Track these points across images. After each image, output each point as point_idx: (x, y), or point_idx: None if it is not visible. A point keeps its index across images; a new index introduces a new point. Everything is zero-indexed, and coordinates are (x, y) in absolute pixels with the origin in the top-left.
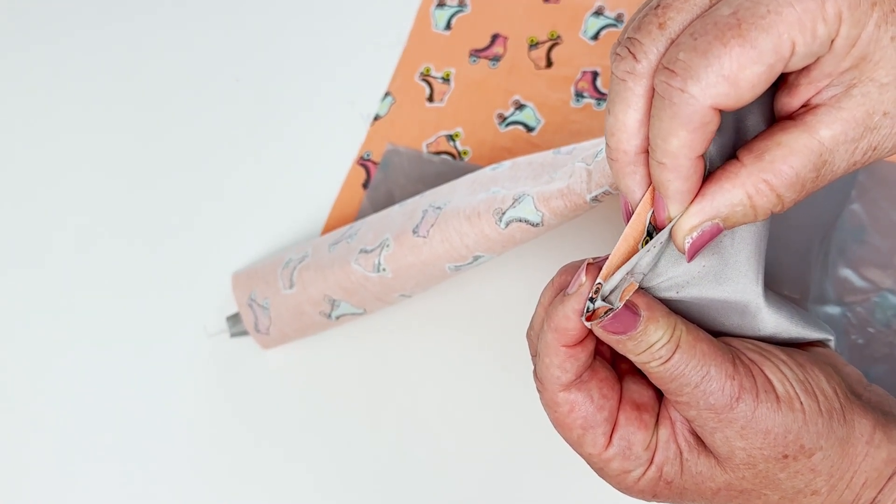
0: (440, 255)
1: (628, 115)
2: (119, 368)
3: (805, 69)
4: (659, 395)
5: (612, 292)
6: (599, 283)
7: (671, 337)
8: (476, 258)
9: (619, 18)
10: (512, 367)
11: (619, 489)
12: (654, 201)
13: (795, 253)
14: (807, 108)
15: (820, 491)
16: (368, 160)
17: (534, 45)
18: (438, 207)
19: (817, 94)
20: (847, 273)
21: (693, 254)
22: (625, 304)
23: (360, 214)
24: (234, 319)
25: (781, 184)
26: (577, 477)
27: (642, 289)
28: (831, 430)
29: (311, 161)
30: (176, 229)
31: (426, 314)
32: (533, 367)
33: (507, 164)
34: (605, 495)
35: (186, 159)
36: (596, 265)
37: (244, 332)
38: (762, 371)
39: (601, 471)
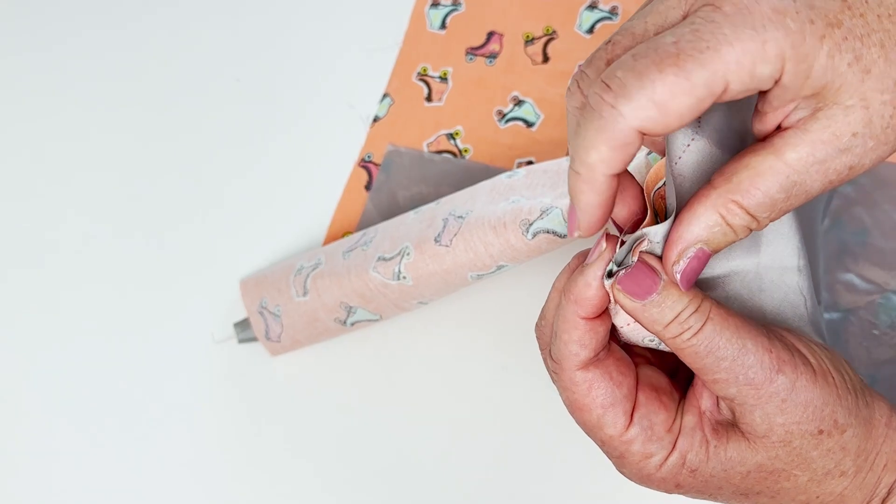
0: (463, 264)
1: None
2: (124, 374)
3: (765, 99)
4: (674, 384)
5: (624, 257)
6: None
7: (698, 307)
8: (499, 267)
9: (613, 11)
10: (517, 368)
11: (639, 479)
12: (568, 211)
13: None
14: (777, 131)
15: (847, 472)
16: (370, 162)
17: (529, 40)
18: (460, 216)
19: (786, 117)
20: (849, 276)
21: (687, 283)
22: (644, 265)
23: (364, 216)
24: (242, 325)
25: (751, 204)
26: (584, 476)
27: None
28: (858, 408)
29: (313, 164)
30: (179, 234)
31: (432, 317)
32: (544, 358)
33: (522, 171)
34: (612, 494)
35: (188, 163)
36: (614, 235)
37: (252, 339)
38: (796, 346)
39: (621, 458)
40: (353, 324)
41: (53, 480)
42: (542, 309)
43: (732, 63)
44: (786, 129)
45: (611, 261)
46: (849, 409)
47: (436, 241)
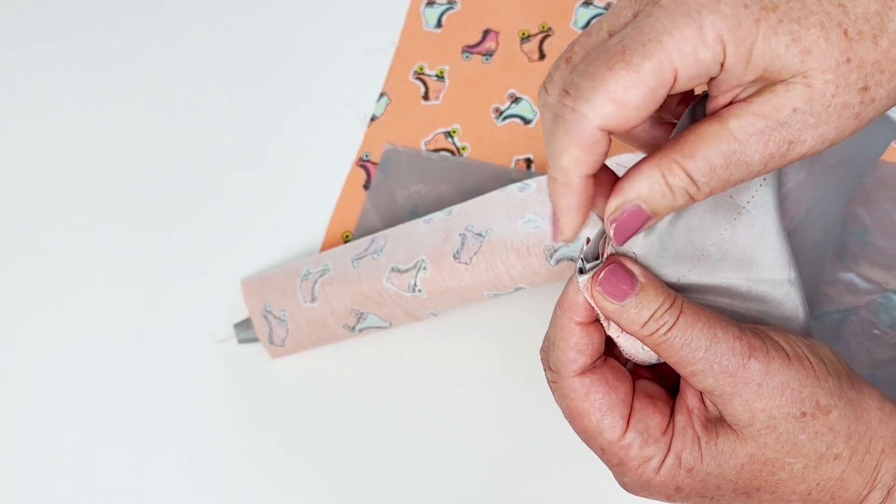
0: (482, 283)
1: None
2: (124, 374)
3: (714, 84)
4: (669, 392)
5: (593, 254)
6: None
7: (672, 303)
8: (517, 289)
9: (608, 7)
10: (517, 369)
11: (640, 486)
12: (551, 217)
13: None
14: (727, 105)
15: (841, 455)
16: (368, 161)
17: (525, 38)
18: (479, 234)
19: (736, 96)
20: (849, 276)
21: (621, 237)
22: (621, 268)
23: (363, 215)
24: (242, 326)
25: (690, 165)
26: (585, 477)
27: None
28: (842, 390)
29: (311, 164)
30: (177, 234)
31: (433, 319)
32: (546, 375)
33: (533, 184)
34: (613, 495)
35: (188, 163)
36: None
37: (253, 339)
38: (768, 334)
39: (621, 464)
40: (361, 330)
41: (53, 479)
42: (546, 334)
43: (675, 51)
44: (732, 103)
45: (581, 258)
46: (830, 391)
47: (454, 257)
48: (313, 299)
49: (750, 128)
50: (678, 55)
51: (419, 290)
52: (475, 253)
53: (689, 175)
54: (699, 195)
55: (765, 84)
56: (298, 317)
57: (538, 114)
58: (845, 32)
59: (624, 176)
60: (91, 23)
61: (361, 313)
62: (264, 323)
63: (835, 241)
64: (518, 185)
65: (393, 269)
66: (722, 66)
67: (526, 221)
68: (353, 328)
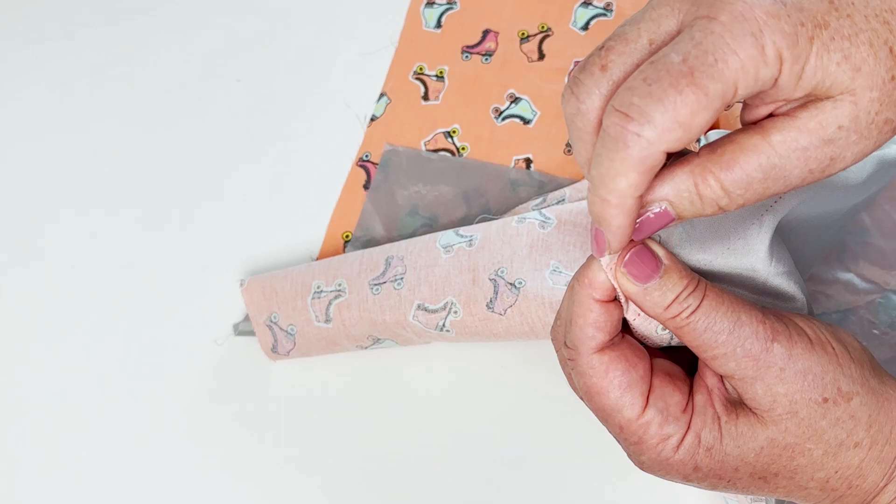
0: (516, 332)
1: (589, 151)
2: (123, 374)
3: (759, 96)
4: (688, 371)
5: None
6: None
7: (696, 287)
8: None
9: (607, 8)
10: (515, 367)
11: (657, 465)
12: (594, 233)
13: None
14: (769, 117)
15: (861, 443)
16: (368, 161)
17: (525, 38)
18: (513, 285)
19: (777, 108)
20: (849, 276)
21: (640, 233)
22: (647, 250)
23: (363, 216)
24: (241, 326)
25: (727, 178)
26: (583, 474)
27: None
28: (865, 378)
29: (311, 165)
30: (178, 234)
31: None
32: (559, 354)
33: (553, 219)
34: (612, 490)
35: (188, 163)
36: None
37: (250, 332)
38: (791, 319)
39: (639, 443)
40: (372, 348)
41: (50, 478)
42: (557, 312)
43: (738, 70)
44: (776, 115)
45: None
46: (852, 378)
47: (488, 307)
48: (327, 320)
49: (793, 143)
50: (741, 74)
51: (448, 331)
52: (510, 306)
53: (724, 188)
54: (730, 207)
55: (809, 99)
56: (310, 334)
57: (538, 114)
58: (891, 50)
59: (657, 175)
60: (93, 23)
61: (379, 339)
62: (268, 332)
63: (835, 242)
64: (539, 219)
65: (420, 307)
66: (775, 81)
67: (552, 271)
68: (367, 348)
